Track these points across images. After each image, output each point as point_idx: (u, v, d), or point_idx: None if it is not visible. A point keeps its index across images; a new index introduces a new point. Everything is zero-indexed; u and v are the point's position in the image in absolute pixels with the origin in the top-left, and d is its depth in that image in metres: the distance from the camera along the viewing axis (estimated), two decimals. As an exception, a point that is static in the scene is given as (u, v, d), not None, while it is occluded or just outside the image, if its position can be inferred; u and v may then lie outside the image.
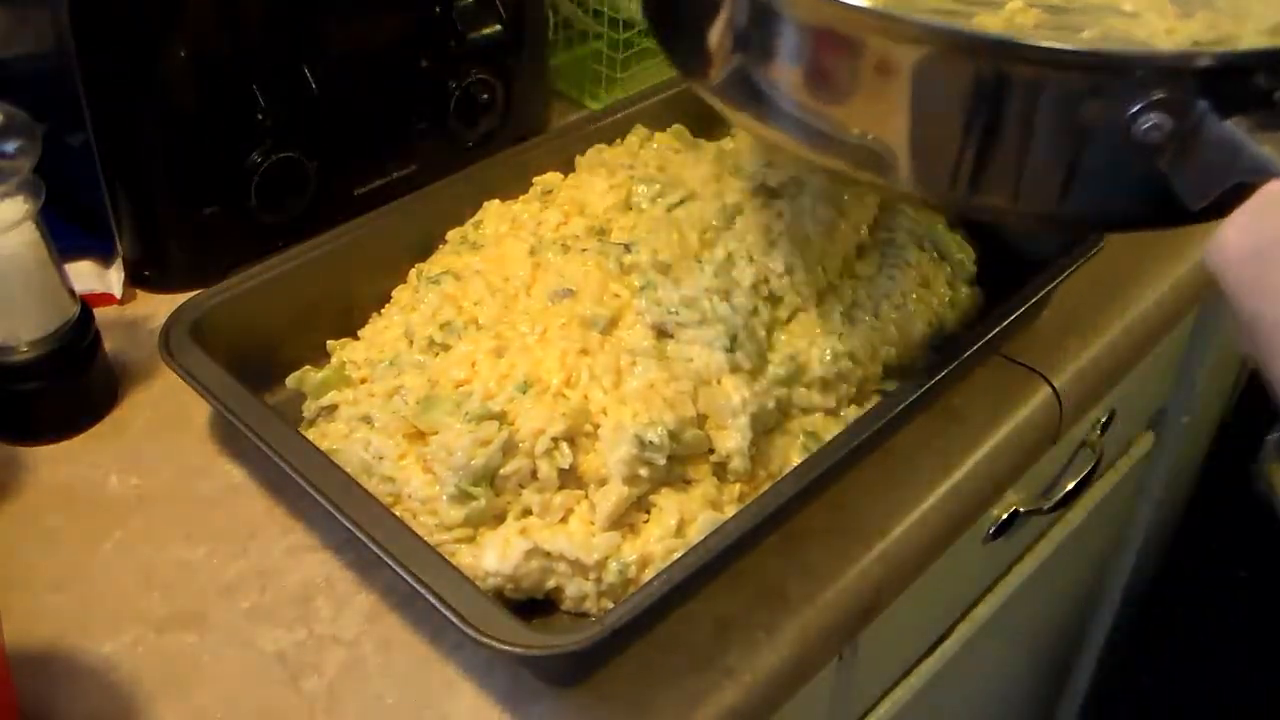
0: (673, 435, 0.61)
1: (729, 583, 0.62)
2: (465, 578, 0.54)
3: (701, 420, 0.63)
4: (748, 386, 0.64)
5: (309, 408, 0.69)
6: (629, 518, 0.61)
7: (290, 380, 0.69)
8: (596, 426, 0.62)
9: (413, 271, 0.75)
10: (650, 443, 0.60)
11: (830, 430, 0.66)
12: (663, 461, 0.61)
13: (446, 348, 0.67)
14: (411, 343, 0.69)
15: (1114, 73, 0.45)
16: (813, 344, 0.68)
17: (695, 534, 0.59)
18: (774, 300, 0.68)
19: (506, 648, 0.51)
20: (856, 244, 0.74)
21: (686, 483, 0.63)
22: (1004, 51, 0.46)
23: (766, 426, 0.65)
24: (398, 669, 0.58)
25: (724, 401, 0.64)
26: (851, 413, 0.68)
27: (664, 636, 0.59)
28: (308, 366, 0.69)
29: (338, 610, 0.61)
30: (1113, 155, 0.47)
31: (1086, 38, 0.51)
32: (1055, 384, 0.76)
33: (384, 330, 0.71)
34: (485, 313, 0.69)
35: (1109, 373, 0.81)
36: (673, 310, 0.66)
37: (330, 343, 0.72)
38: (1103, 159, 0.47)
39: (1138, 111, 0.44)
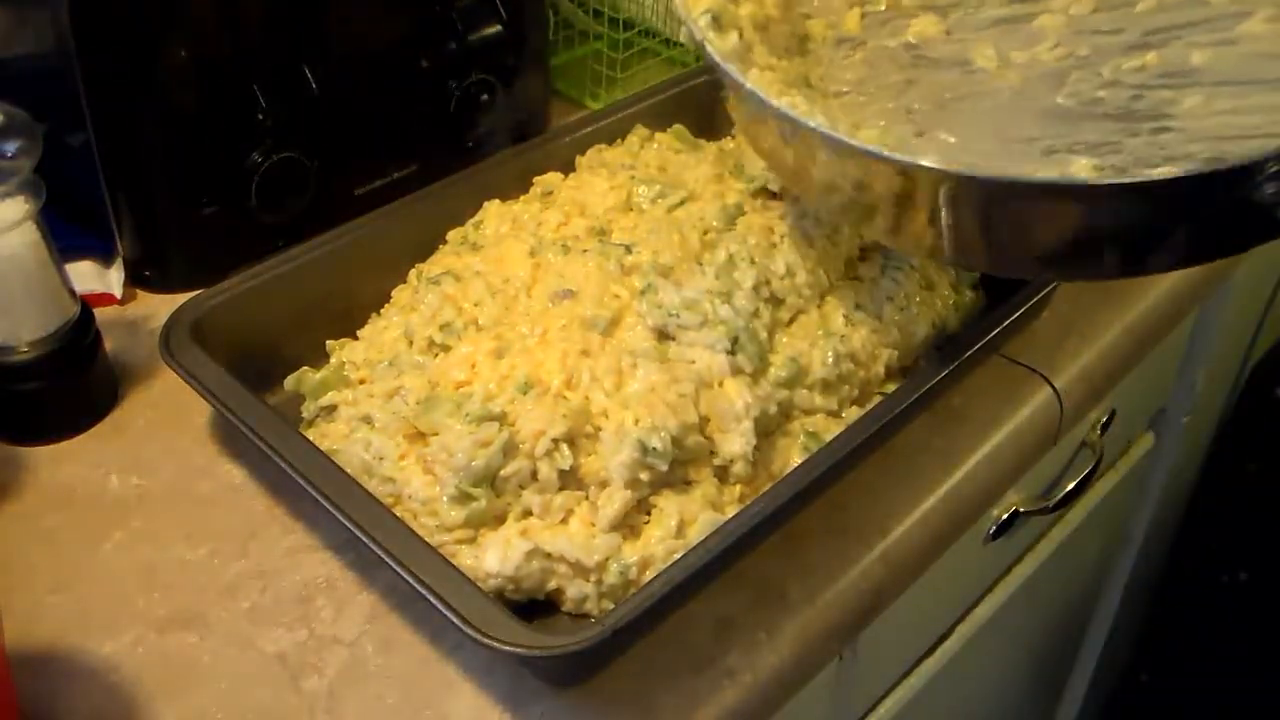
0: (675, 441, 0.61)
1: (729, 583, 0.62)
2: (466, 578, 0.54)
3: (703, 423, 0.63)
4: (750, 390, 0.64)
5: (308, 408, 0.69)
6: (629, 519, 0.61)
7: (288, 382, 0.69)
8: (598, 428, 0.62)
9: (413, 272, 0.75)
10: (653, 449, 0.60)
11: (831, 431, 0.66)
12: (664, 468, 0.61)
13: (446, 348, 0.67)
14: (411, 343, 0.69)
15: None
16: (814, 346, 0.68)
17: (696, 535, 0.60)
18: (775, 302, 0.68)
19: (507, 648, 0.51)
20: (859, 246, 0.74)
21: (687, 484, 0.63)
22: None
23: (768, 429, 0.65)
24: (398, 669, 0.58)
25: (727, 405, 0.63)
26: (853, 414, 0.68)
27: (664, 637, 0.59)
28: (306, 367, 0.69)
29: (338, 610, 0.61)
30: (1235, 216, 0.52)
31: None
32: (1055, 384, 0.76)
33: (383, 331, 0.71)
34: (485, 313, 0.69)
35: (1109, 373, 0.81)
36: (674, 313, 0.66)
37: (330, 343, 0.72)
38: (1224, 221, 0.53)
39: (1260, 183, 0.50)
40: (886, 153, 0.55)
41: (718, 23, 0.64)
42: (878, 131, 0.63)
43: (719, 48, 0.63)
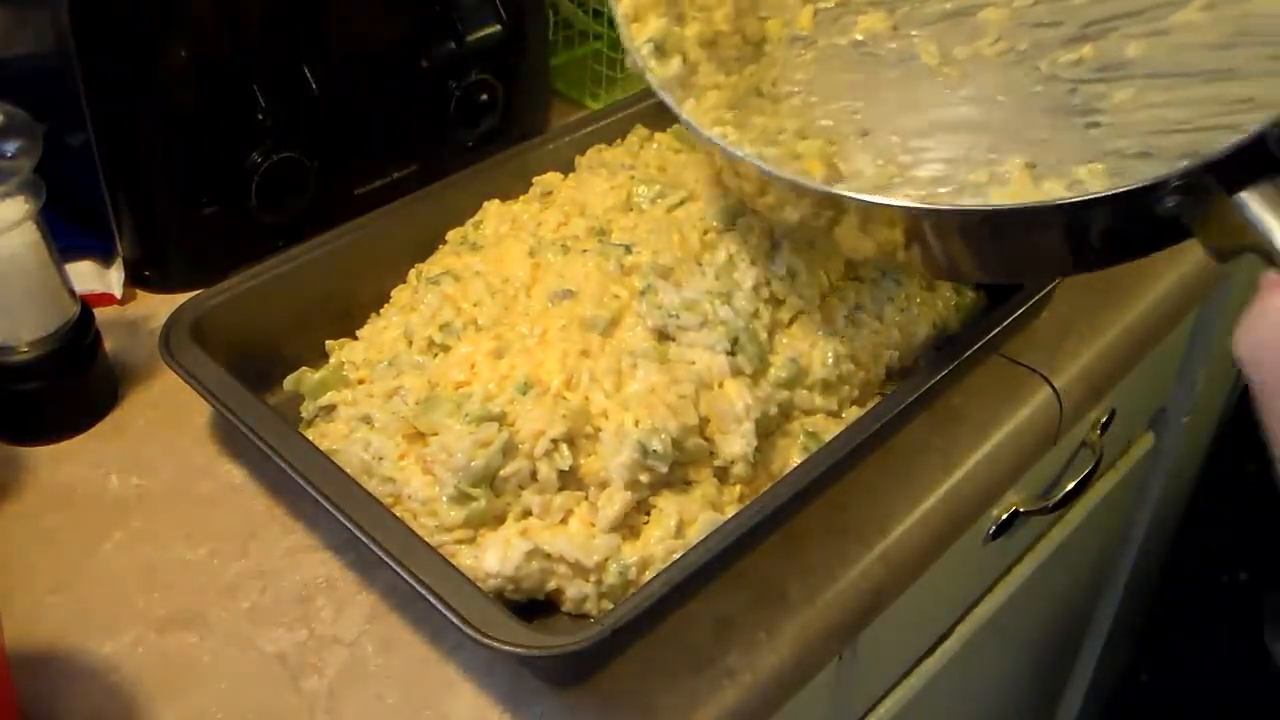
0: (676, 443, 0.61)
1: (729, 583, 0.62)
2: (466, 578, 0.54)
3: (703, 424, 0.63)
4: (751, 392, 0.64)
5: (307, 408, 0.69)
6: (629, 519, 0.61)
7: (287, 382, 0.69)
8: (597, 429, 0.62)
9: (412, 272, 0.75)
10: (654, 451, 0.60)
11: (831, 431, 0.66)
12: (665, 470, 0.61)
13: (446, 349, 0.67)
14: (411, 343, 0.69)
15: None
16: (814, 346, 0.67)
17: (695, 535, 0.59)
18: (776, 302, 0.68)
19: (507, 648, 0.51)
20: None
21: (687, 484, 0.63)
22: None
23: (768, 430, 0.65)
24: (398, 669, 0.58)
25: (727, 407, 0.63)
26: (853, 414, 0.68)
27: (664, 637, 0.59)
28: (304, 368, 0.69)
29: (338, 610, 0.61)
30: (1141, 226, 0.55)
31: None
32: (1055, 384, 0.76)
33: (382, 331, 0.71)
34: (485, 314, 0.69)
35: (1109, 373, 0.81)
36: (673, 313, 0.66)
37: (329, 343, 0.72)
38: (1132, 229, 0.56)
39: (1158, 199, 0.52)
40: (805, 181, 0.60)
41: (660, 50, 0.66)
42: (820, 143, 0.65)
43: (659, 76, 0.65)
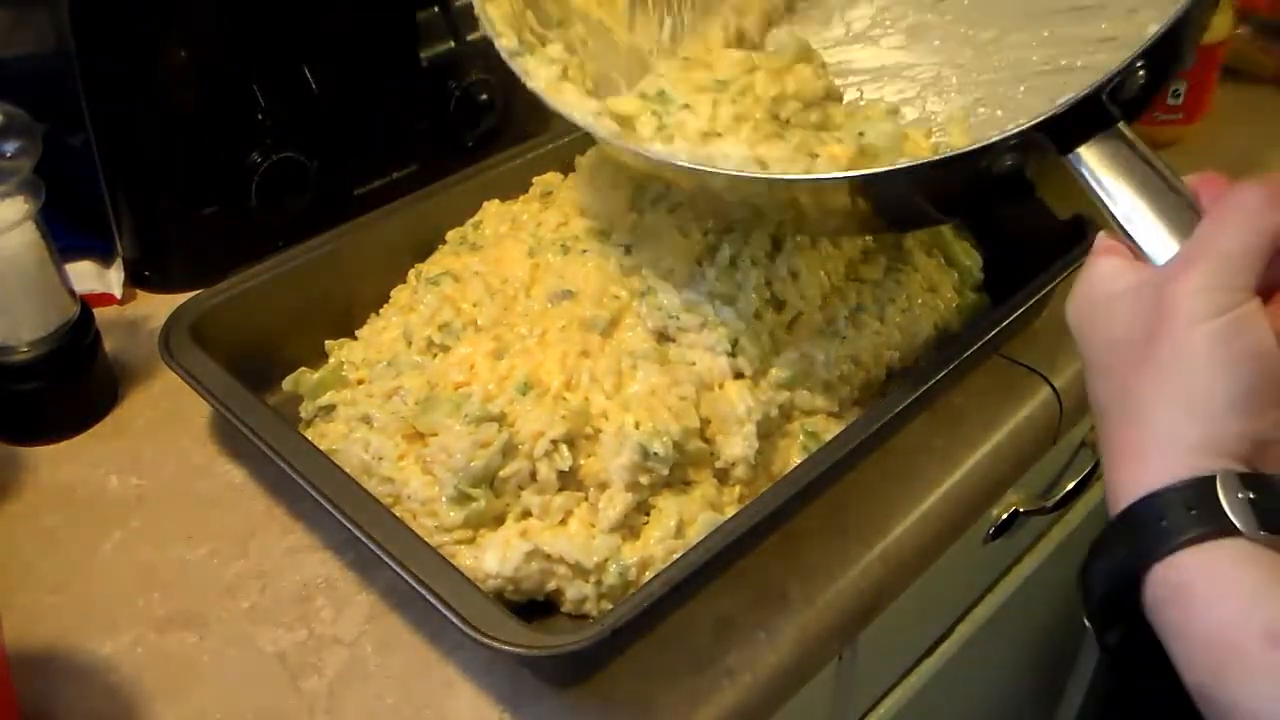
0: (677, 445, 0.61)
1: (729, 583, 0.62)
2: (466, 578, 0.54)
3: (704, 425, 0.63)
4: (752, 394, 0.64)
5: (306, 408, 0.69)
6: (629, 520, 0.61)
7: (286, 383, 0.68)
8: (597, 430, 0.62)
9: (412, 272, 0.75)
10: (655, 454, 0.60)
11: (831, 431, 0.66)
12: (665, 472, 0.61)
13: (445, 349, 0.67)
14: (410, 344, 0.69)
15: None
16: (816, 347, 0.67)
17: (695, 535, 0.59)
18: (777, 304, 0.68)
19: (507, 648, 0.51)
20: (862, 248, 0.74)
21: (687, 484, 0.63)
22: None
23: (769, 430, 0.65)
24: (398, 669, 0.58)
25: (729, 409, 0.63)
26: (854, 415, 0.68)
27: (664, 637, 0.59)
28: (303, 368, 0.69)
29: (338, 610, 0.61)
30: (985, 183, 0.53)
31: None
32: (1055, 384, 0.76)
33: (381, 331, 0.71)
34: (484, 314, 0.69)
35: (1109, 373, 0.80)
36: (673, 314, 0.66)
37: (328, 343, 0.72)
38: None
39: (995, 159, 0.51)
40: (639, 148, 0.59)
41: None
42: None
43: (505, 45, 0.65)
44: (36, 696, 0.56)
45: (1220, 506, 0.38)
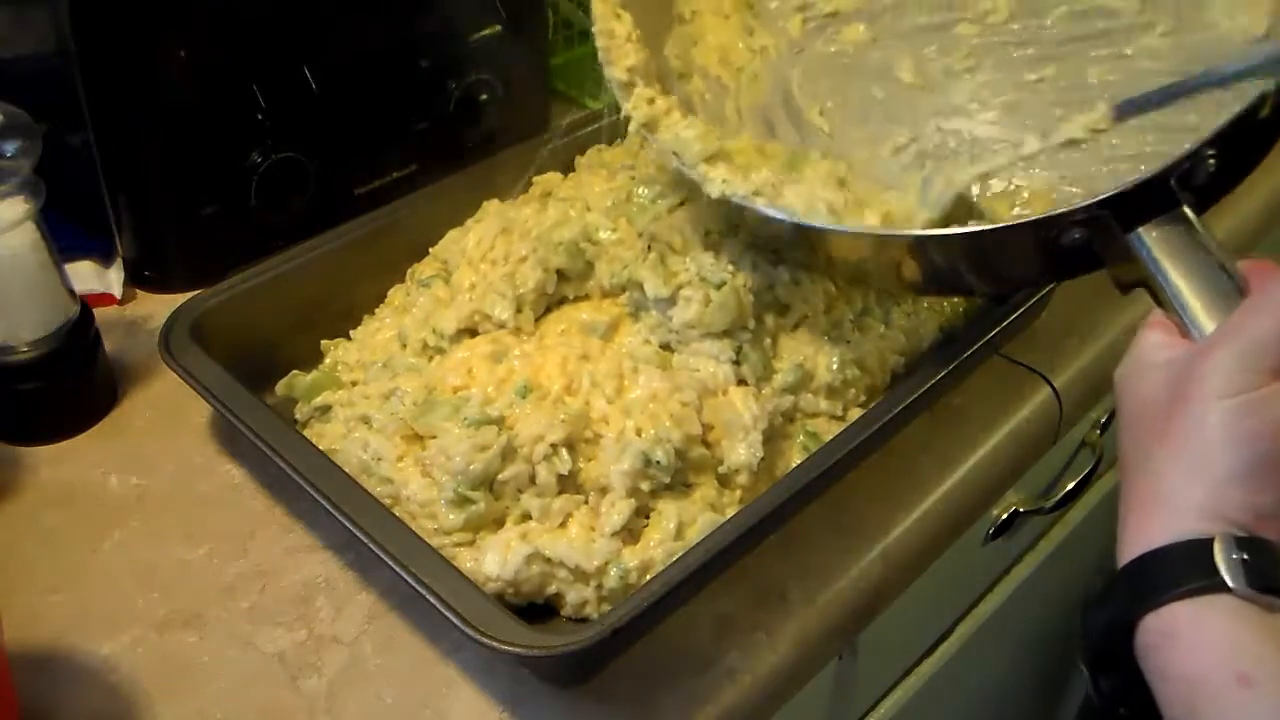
0: (679, 453, 0.60)
1: (729, 583, 0.62)
2: (466, 579, 0.54)
3: (706, 430, 0.63)
4: (757, 401, 0.64)
5: (302, 409, 0.68)
6: (629, 523, 0.60)
7: (280, 387, 0.68)
8: (598, 434, 0.62)
9: (409, 271, 0.75)
10: (656, 462, 0.60)
11: (831, 431, 0.66)
12: (666, 480, 0.60)
13: (440, 351, 0.67)
14: (405, 346, 0.69)
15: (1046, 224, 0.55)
16: (819, 351, 0.67)
17: (695, 536, 0.59)
18: (780, 307, 0.68)
19: (507, 648, 0.51)
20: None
21: (688, 486, 0.62)
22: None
23: (772, 435, 0.65)
24: (398, 669, 0.58)
25: (733, 416, 0.63)
26: (855, 417, 0.68)
27: (664, 637, 0.59)
28: (295, 371, 0.69)
29: (338, 610, 0.61)
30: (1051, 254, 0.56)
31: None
32: (1055, 384, 0.76)
33: (376, 332, 0.71)
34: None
35: (1109, 373, 0.79)
36: (674, 329, 0.66)
37: (324, 343, 0.72)
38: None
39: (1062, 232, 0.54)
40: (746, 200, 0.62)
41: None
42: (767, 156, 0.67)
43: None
44: (36, 696, 0.56)
45: (1214, 564, 0.41)
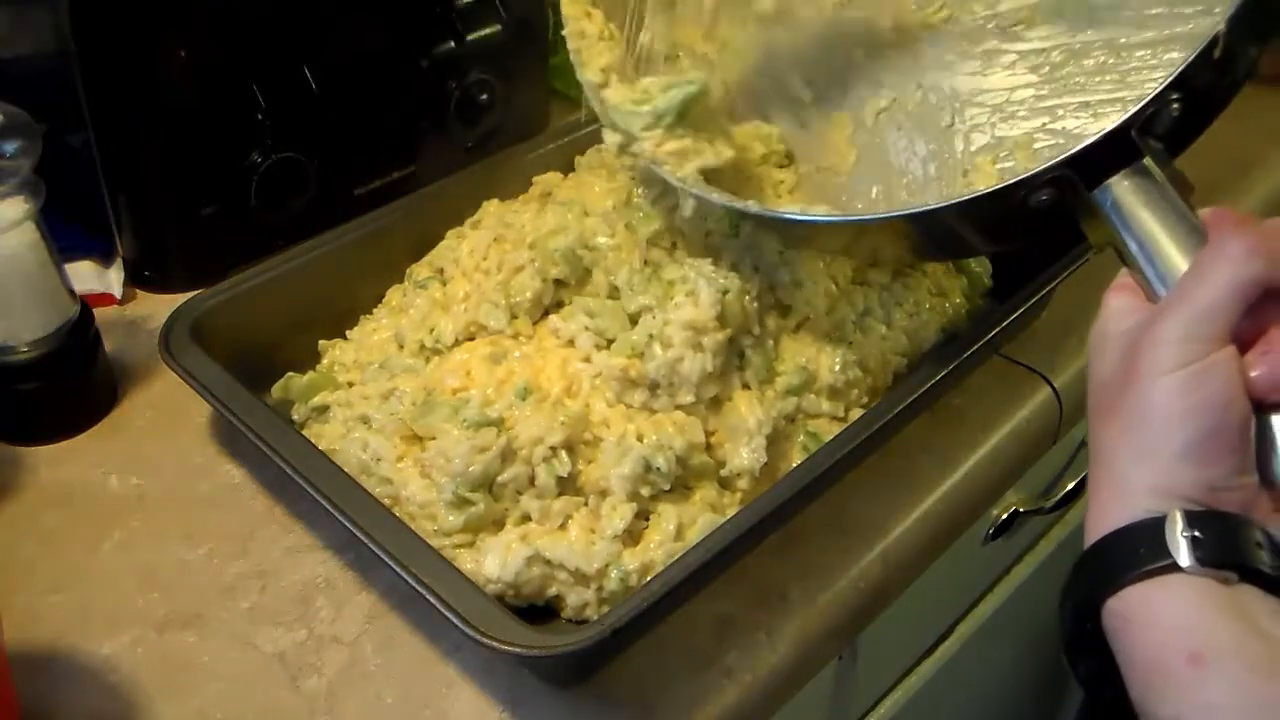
0: (680, 460, 0.60)
1: (729, 583, 0.62)
2: (466, 579, 0.54)
3: (709, 433, 0.63)
4: (761, 405, 0.64)
5: (299, 410, 0.68)
6: (629, 526, 0.60)
7: (275, 389, 0.68)
8: (598, 437, 0.62)
9: (407, 272, 0.75)
10: (657, 468, 0.60)
11: (831, 431, 0.66)
12: (667, 486, 0.60)
13: (437, 352, 0.67)
14: (402, 346, 0.69)
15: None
16: (822, 353, 0.67)
17: (695, 536, 0.59)
18: (782, 309, 0.68)
19: (507, 648, 0.51)
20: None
21: (688, 489, 0.62)
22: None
23: (774, 438, 0.65)
24: (398, 669, 0.58)
25: (738, 421, 0.63)
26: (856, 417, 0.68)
27: (664, 637, 0.59)
28: (290, 373, 0.69)
29: (338, 610, 0.61)
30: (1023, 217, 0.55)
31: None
32: (1055, 384, 0.76)
33: (372, 333, 0.71)
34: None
35: (1109, 373, 0.80)
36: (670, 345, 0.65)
37: (322, 343, 0.72)
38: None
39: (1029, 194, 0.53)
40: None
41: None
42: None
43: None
44: (36, 696, 0.56)
45: (1165, 544, 0.41)
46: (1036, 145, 0.63)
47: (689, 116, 0.65)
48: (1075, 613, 0.44)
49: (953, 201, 0.55)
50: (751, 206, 0.63)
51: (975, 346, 0.68)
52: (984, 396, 0.74)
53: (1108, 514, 0.43)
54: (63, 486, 0.67)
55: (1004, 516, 0.84)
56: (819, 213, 0.61)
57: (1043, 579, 0.99)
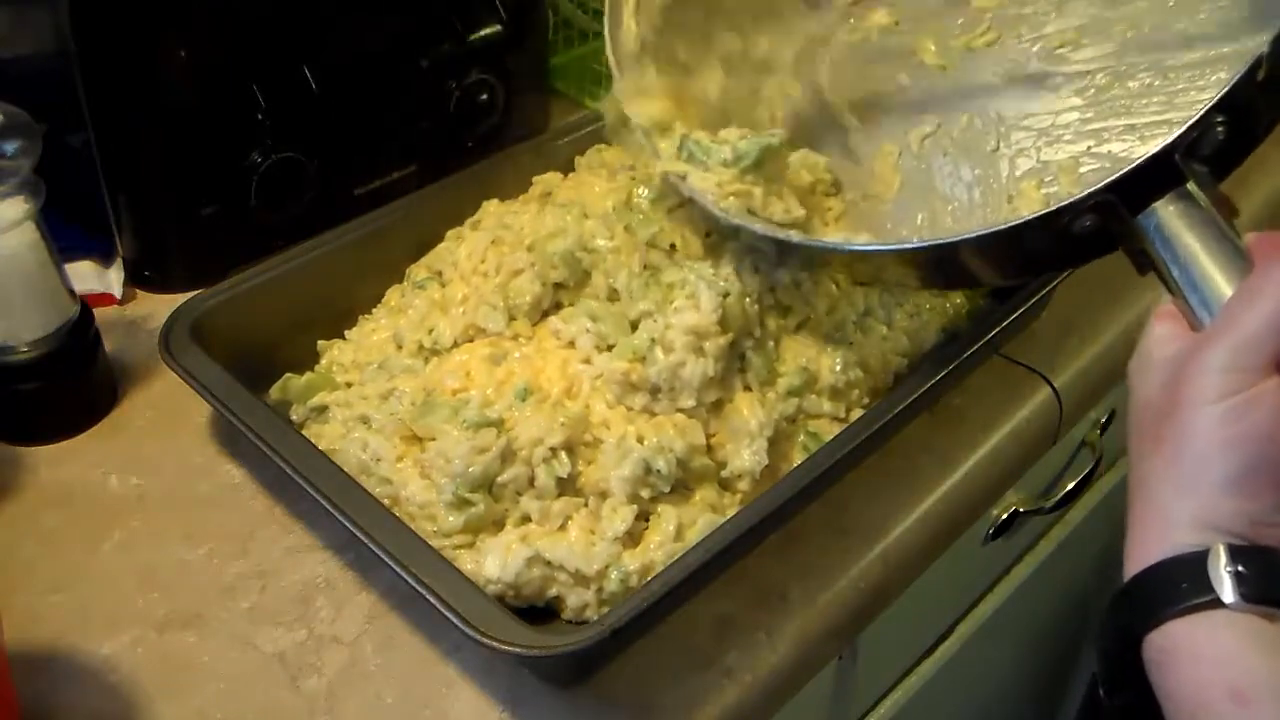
0: (680, 463, 0.60)
1: (729, 583, 0.62)
2: (466, 579, 0.54)
3: (710, 436, 0.63)
4: (763, 407, 0.64)
5: (297, 411, 0.68)
6: (629, 526, 0.60)
7: (274, 391, 0.68)
8: (598, 439, 0.62)
9: (407, 272, 0.75)
10: (657, 471, 0.60)
11: (831, 431, 0.66)
12: (667, 489, 0.60)
13: (435, 353, 0.67)
14: (400, 347, 0.69)
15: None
16: (823, 353, 0.67)
17: (695, 537, 0.59)
18: (782, 309, 0.68)
19: (507, 648, 0.51)
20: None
21: (689, 490, 0.62)
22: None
23: (776, 440, 0.64)
24: (398, 669, 0.58)
25: (740, 423, 0.63)
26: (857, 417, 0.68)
27: (664, 637, 0.59)
28: (288, 374, 0.69)
29: (338, 610, 0.61)
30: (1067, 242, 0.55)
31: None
32: (1055, 384, 0.76)
33: (370, 333, 0.71)
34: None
35: (1109, 373, 0.81)
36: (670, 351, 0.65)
37: (321, 343, 0.72)
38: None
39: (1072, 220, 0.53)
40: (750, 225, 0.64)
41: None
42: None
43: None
44: (36, 696, 0.56)
45: (1208, 579, 0.40)
46: (1082, 169, 0.62)
47: (763, 168, 0.66)
48: (1116, 645, 0.44)
49: (994, 229, 0.55)
50: (794, 236, 0.63)
51: (975, 346, 0.68)
52: (984, 396, 0.74)
53: (1149, 545, 0.43)
54: (63, 486, 0.67)
55: (1004, 516, 0.84)
56: (860, 242, 0.62)
57: (1043, 579, 0.99)
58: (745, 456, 0.62)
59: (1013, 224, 0.54)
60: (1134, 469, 0.46)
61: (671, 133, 0.67)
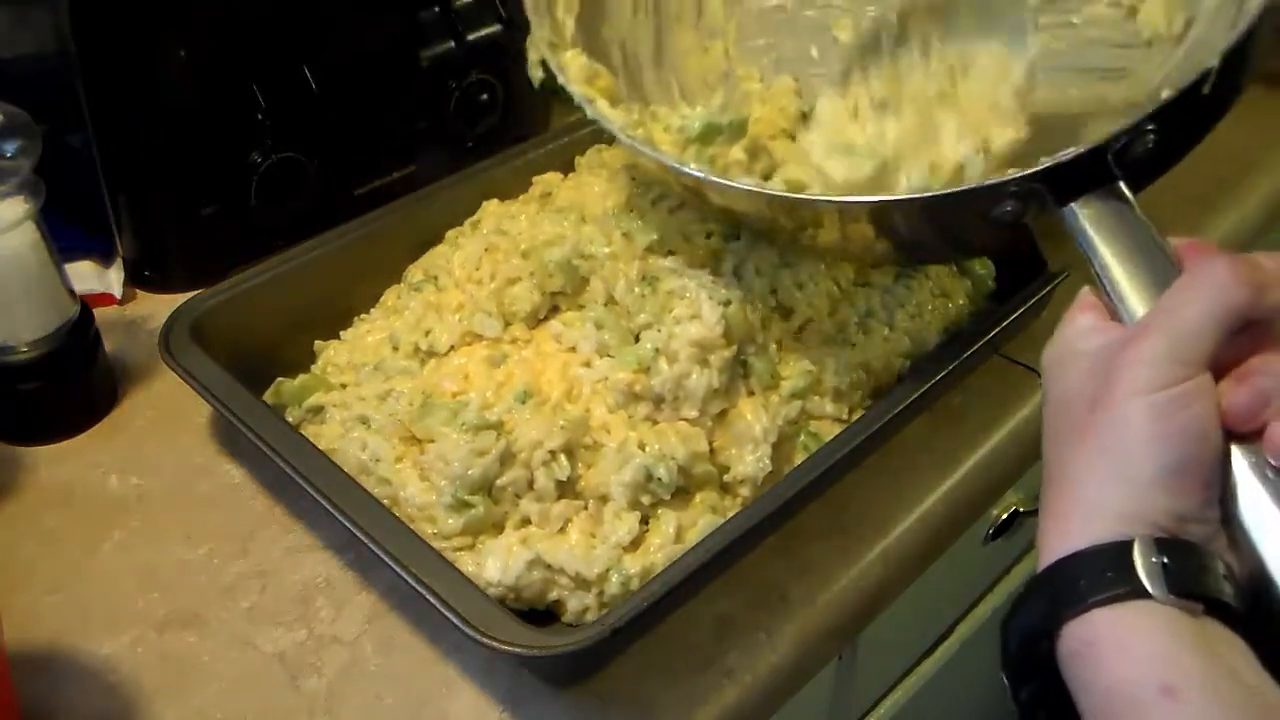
0: (682, 470, 0.60)
1: (729, 583, 0.62)
2: (466, 579, 0.54)
3: (711, 440, 0.63)
4: (766, 412, 0.63)
5: (293, 413, 0.68)
6: (635, 535, 0.60)
7: (267, 395, 0.68)
8: (599, 442, 0.61)
9: (406, 272, 0.75)
10: (658, 478, 0.59)
11: (832, 431, 0.66)
12: (668, 497, 0.60)
13: (432, 355, 0.67)
14: (396, 348, 0.69)
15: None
16: (825, 355, 0.67)
17: (695, 538, 0.59)
18: (785, 311, 0.68)
19: (507, 648, 0.51)
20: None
21: (689, 493, 0.62)
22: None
23: (778, 442, 0.64)
24: (398, 669, 0.58)
25: (744, 428, 0.63)
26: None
27: (664, 637, 0.59)
28: (280, 378, 0.68)
29: (338, 610, 0.61)
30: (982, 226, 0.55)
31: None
32: (1055, 384, 0.76)
33: (366, 334, 0.71)
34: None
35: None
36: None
37: (317, 343, 0.72)
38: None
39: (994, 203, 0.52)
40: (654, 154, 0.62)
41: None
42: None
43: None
44: (36, 696, 0.56)
45: (1134, 570, 0.39)
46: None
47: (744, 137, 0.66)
48: (1027, 634, 0.43)
49: (915, 195, 0.55)
50: (743, 183, 0.62)
51: (975, 346, 0.68)
52: (984, 396, 0.74)
53: (1069, 535, 0.42)
54: (63, 486, 0.67)
55: (1004, 516, 0.84)
56: (775, 188, 0.61)
57: (1043, 579, 0.99)
58: (749, 462, 0.62)
59: (931, 195, 0.55)
60: (1051, 458, 0.44)
61: (598, 78, 0.67)
